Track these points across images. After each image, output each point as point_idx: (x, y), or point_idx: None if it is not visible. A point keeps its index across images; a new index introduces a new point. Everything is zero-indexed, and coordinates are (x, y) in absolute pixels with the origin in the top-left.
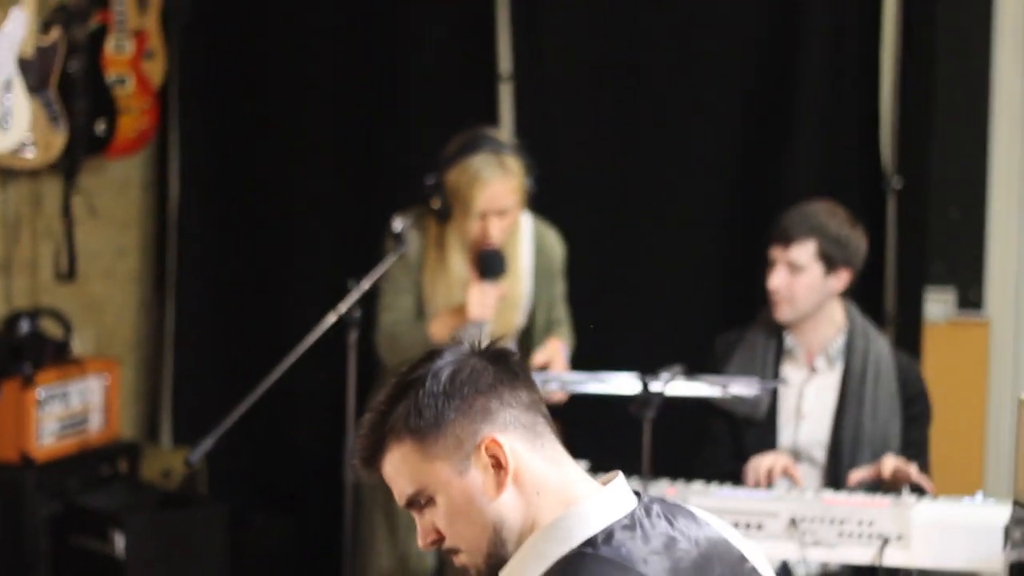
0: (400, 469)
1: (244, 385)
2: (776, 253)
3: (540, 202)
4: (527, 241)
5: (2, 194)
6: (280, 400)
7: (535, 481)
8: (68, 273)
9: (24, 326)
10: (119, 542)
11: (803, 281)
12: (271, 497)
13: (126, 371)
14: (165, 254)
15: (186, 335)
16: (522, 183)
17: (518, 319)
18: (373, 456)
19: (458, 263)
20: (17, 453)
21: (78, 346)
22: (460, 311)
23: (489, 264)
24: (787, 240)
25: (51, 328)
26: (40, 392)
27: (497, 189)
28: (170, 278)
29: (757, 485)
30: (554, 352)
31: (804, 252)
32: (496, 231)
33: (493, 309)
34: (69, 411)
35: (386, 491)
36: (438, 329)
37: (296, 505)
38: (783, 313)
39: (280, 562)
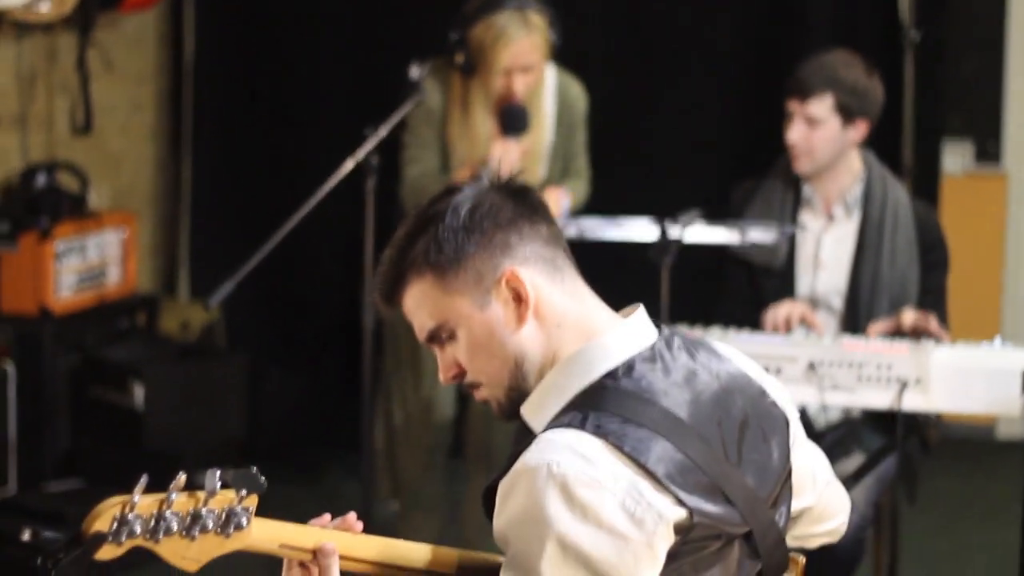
0: (421, 303)
1: (261, 238)
2: (793, 106)
3: (561, 52)
4: (550, 95)
5: (17, 48)
6: (298, 252)
7: (556, 314)
8: (84, 127)
9: (41, 180)
10: (138, 393)
11: (821, 134)
12: (289, 348)
13: (143, 225)
14: (181, 108)
15: (203, 189)
16: (546, 38)
17: (541, 172)
18: (393, 291)
19: (482, 119)
20: (35, 305)
21: (95, 200)
22: (483, 165)
23: (512, 120)
24: (804, 94)
25: (68, 182)
26: (58, 245)
27: (522, 46)
28: (186, 132)
29: (775, 332)
30: (548, 196)
31: (821, 106)
32: (521, 87)
33: (516, 164)
34: (87, 264)
35: (412, 339)
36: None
37: (314, 356)
38: (802, 166)
39: (298, 413)
